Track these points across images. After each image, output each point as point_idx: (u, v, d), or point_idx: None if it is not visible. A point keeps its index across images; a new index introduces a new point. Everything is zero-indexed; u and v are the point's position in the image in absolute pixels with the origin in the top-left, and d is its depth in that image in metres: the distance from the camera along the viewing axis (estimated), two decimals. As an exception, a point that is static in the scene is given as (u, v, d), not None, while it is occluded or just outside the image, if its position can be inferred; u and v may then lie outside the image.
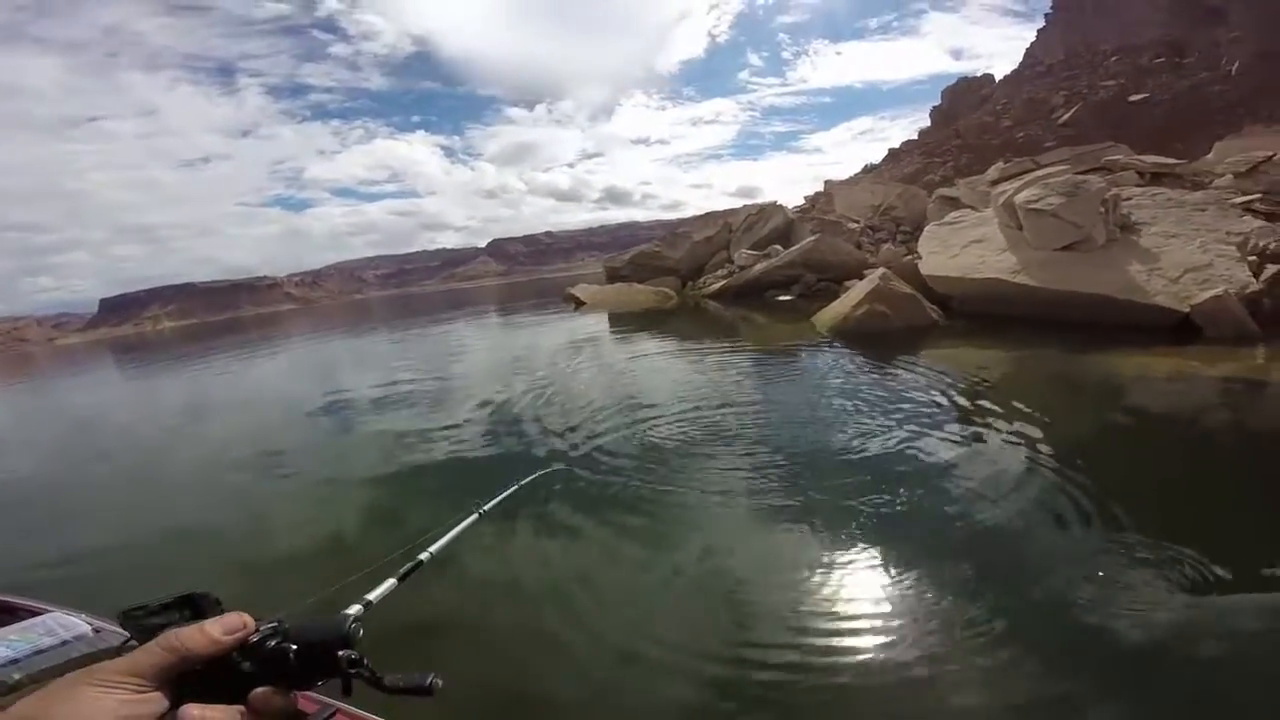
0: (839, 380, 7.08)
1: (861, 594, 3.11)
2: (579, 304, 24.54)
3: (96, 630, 2.15)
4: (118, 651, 1.44)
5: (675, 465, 4.99)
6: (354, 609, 0.64)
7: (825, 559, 3.44)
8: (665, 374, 8.54)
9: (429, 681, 0.56)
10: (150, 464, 8.09)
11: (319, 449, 7.32)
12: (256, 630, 0.52)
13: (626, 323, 17.02)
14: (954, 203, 18.48)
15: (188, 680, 0.48)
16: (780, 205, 25.43)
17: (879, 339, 8.89)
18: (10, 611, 2.46)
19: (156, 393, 17.72)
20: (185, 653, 0.45)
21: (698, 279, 23.70)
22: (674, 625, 3.06)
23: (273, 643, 0.52)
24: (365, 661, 0.55)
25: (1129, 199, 9.87)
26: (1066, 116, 49.94)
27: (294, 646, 0.53)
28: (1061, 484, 4.06)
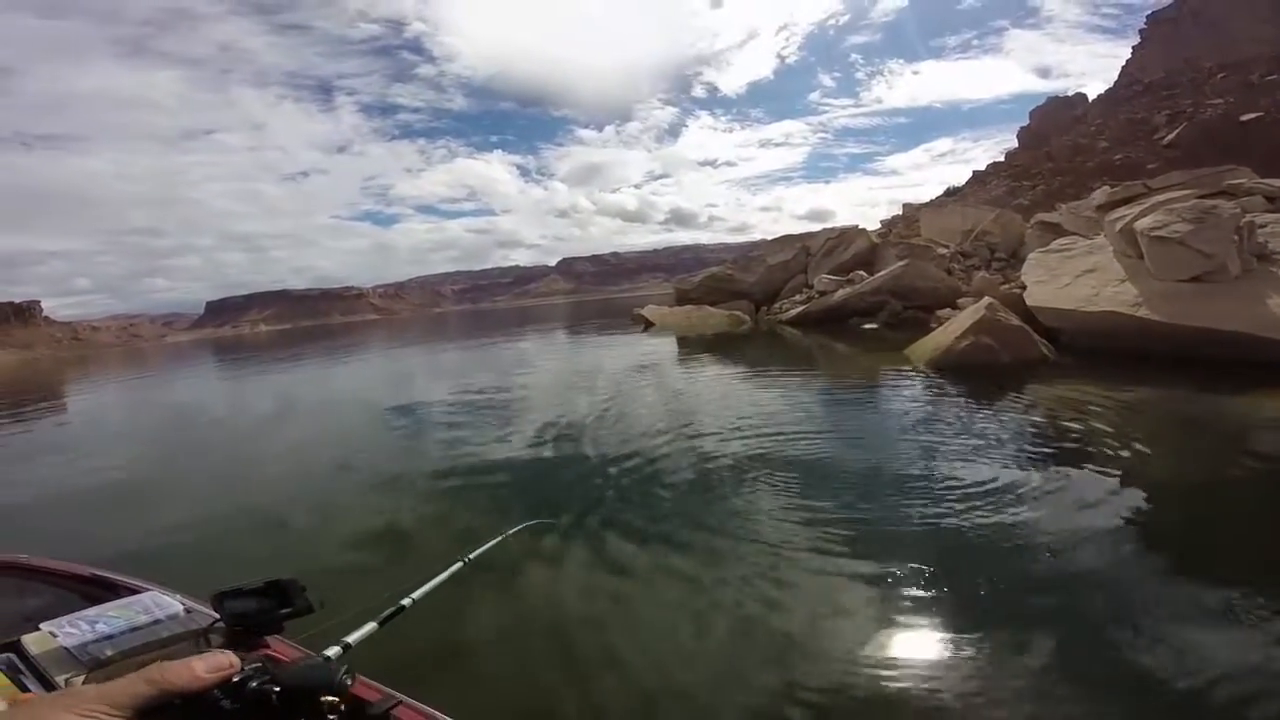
0: (937, 417, 6.49)
1: (930, 664, 2.74)
2: (648, 325, 24.49)
3: (188, 610, 2.14)
4: (204, 633, 1.39)
5: (745, 501, 4.65)
6: (333, 650, 0.70)
7: (895, 619, 3.06)
8: (741, 402, 8.12)
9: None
10: (240, 457, 8.61)
11: (381, 457, 7.47)
12: (241, 670, 0.52)
13: (698, 346, 16.71)
14: (1055, 229, 17.68)
15: (165, 714, 0.47)
16: (863, 229, 24.65)
17: (983, 374, 8.20)
18: (112, 588, 2.47)
19: (252, 391, 18.82)
20: (167, 687, 0.46)
21: (772, 304, 23.21)
22: (712, 669, 2.92)
23: (255, 683, 0.53)
24: (343, 708, 0.56)
25: (1264, 226, 8.89)
26: (1171, 137, 46.43)
27: (277, 689, 0.54)
28: (1188, 545, 3.59)
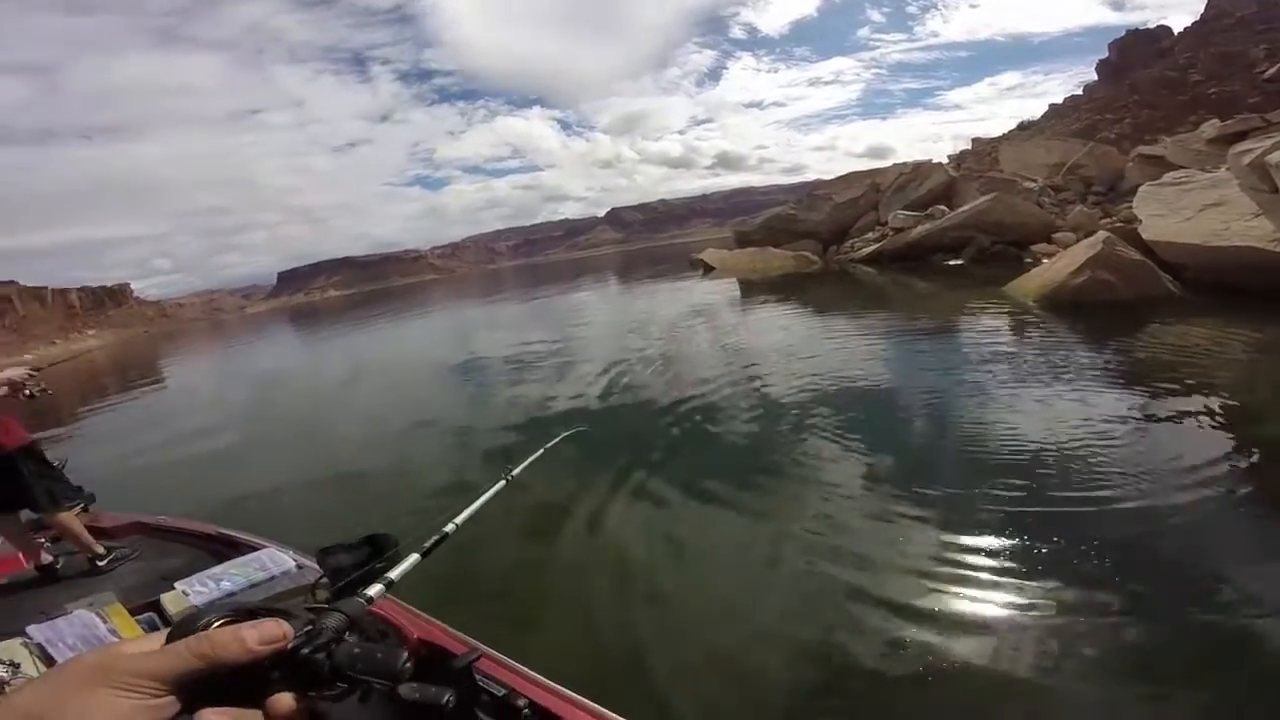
0: (1052, 358, 5.99)
1: (1002, 621, 2.56)
2: (708, 269, 23.93)
3: (299, 566, 2.28)
4: (312, 588, 1.36)
5: (835, 448, 4.42)
6: (375, 589, 0.65)
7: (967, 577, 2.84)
8: (827, 346, 7.77)
9: (445, 699, 0.55)
10: (329, 417, 9.13)
11: (457, 411, 7.80)
12: (294, 638, 0.47)
13: (765, 289, 16.17)
14: (1159, 162, 16.67)
15: (212, 687, 0.43)
16: (939, 163, 22.97)
17: (1102, 311, 7.52)
18: (234, 545, 2.68)
19: (333, 354, 19.68)
20: (215, 661, 0.41)
21: (841, 243, 22.13)
22: (773, 608, 2.90)
23: (308, 650, 0.48)
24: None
25: None
26: (1273, 71, 42.41)
27: (329, 664, 0.49)
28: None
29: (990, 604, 2.61)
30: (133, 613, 2.15)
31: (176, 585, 2.21)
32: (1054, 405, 4.74)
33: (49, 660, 1.86)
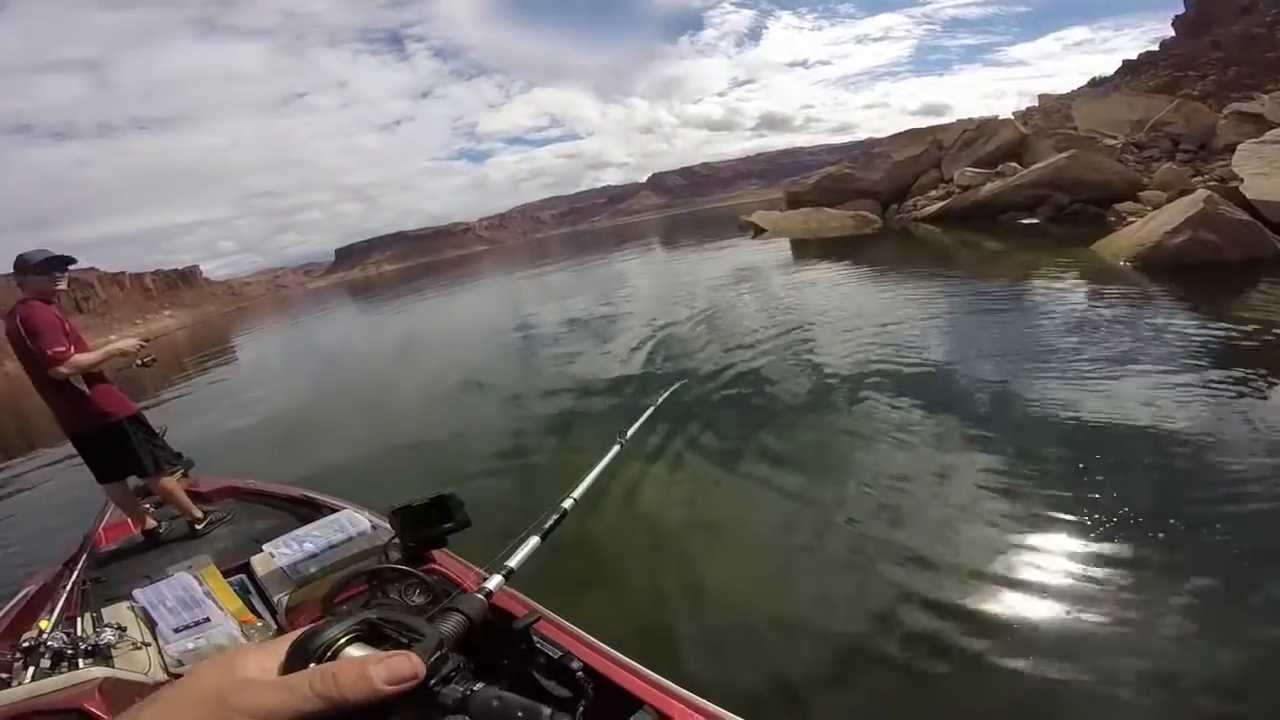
0: (1158, 326, 5.59)
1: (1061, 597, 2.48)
2: (758, 231, 23.37)
3: (374, 527, 2.34)
4: (384, 550, 1.78)
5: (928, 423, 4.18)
6: (494, 581, 0.62)
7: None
8: (903, 311, 7.45)
9: None
10: (392, 384, 9.49)
11: (517, 377, 7.94)
12: (426, 678, 0.41)
13: (825, 251, 15.72)
14: (1256, 119, 15.61)
15: None
16: (1007, 119, 21.67)
17: (1204, 273, 6.98)
18: (316, 507, 2.82)
19: (393, 326, 20.39)
20: (339, 704, 0.36)
21: (901, 202, 21.24)
22: (824, 577, 2.90)
23: (443, 690, 0.42)
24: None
25: None
26: None
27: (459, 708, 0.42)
28: None
29: (1052, 609, 2.40)
30: (225, 574, 2.30)
31: (264, 547, 2.33)
32: (1154, 381, 4.41)
33: (151, 623, 1.99)
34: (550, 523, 0.83)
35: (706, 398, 5.56)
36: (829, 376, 5.59)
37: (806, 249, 16.59)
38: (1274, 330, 5.07)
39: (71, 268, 3.03)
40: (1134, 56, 63.27)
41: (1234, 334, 5.14)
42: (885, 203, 21.89)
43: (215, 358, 20.90)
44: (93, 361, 2.91)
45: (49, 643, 1.72)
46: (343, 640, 0.41)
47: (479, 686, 0.43)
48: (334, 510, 2.60)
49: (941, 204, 17.90)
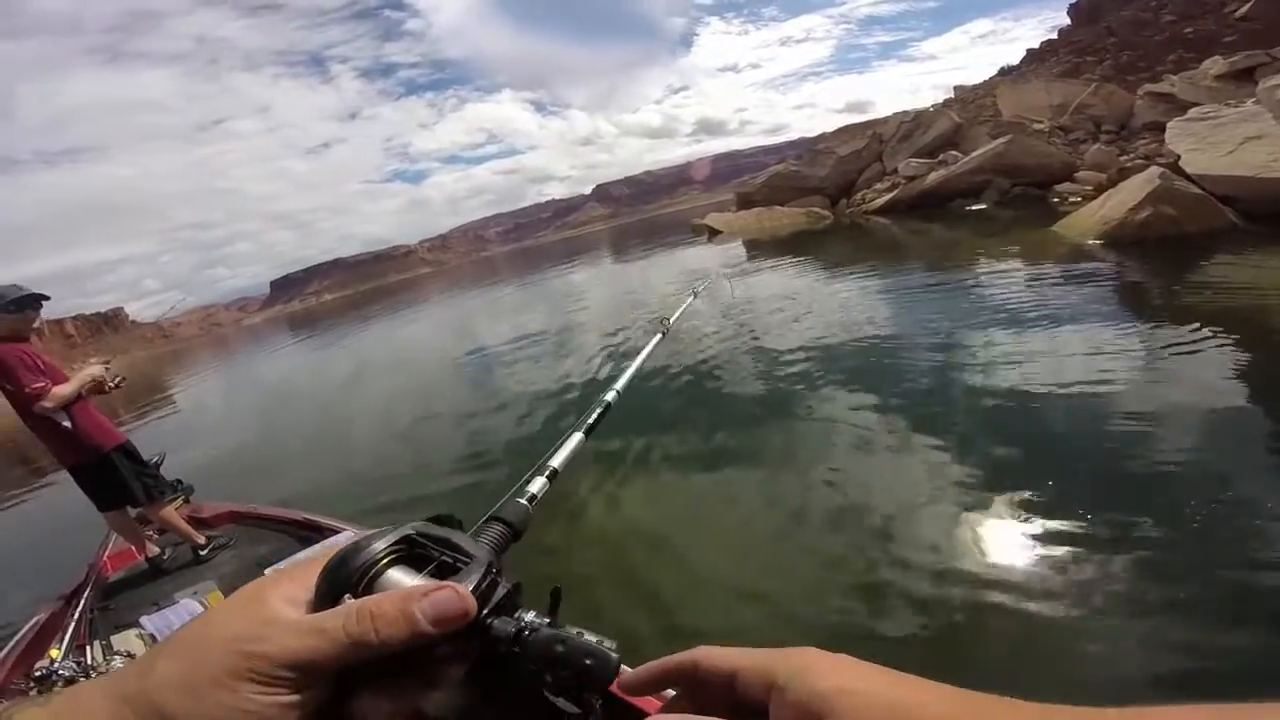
0: (1145, 299, 5.69)
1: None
2: (713, 234, 23.43)
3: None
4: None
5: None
6: (537, 483, 0.57)
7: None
8: (889, 308, 7.27)
9: None
10: (354, 414, 9.07)
11: (476, 398, 7.83)
12: (479, 618, 0.34)
13: (785, 249, 15.60)
14: (1168, 99, 16.82)
15: (373, 665, 0.33)
16: (943, 110, 22.45)
17: (1168, 246, 7.16)
18: (318, 529, 2.87)
19: (344, 356, 19.17)
20: (376, 648, 0.31)
21: (849, 196, 21.64)
22: (797, 554, 2.97)
23: (495, 623, 0.35)
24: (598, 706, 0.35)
25: None
26: (1245, 10, 42.59)
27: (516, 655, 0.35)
28: None
29: (1017, 560, 2.57)
30: None
31: (267, 572, 2.29)
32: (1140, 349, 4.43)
33: None
34: (594, 418, 0.74)
35: (668, 393, 5.74)
36: (812, 369, 5.42)
37: (761, 248, 16.58)
38: (1249, 293, 5.27)
39: None
40: (1036, 45, 66.43)
41: (1213, 299, 5.25)
42: (833, 198, 22.27)
43: (155, 406, 19.42)
44: (71, 393, 2.91)
45: (60, 671, 1.72)
46: (383, 562, 0.35)
47: (531, 618, 0.36)
48: (335, 531, 2.63)
49: (889, 196, 18.25)
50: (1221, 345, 4.28)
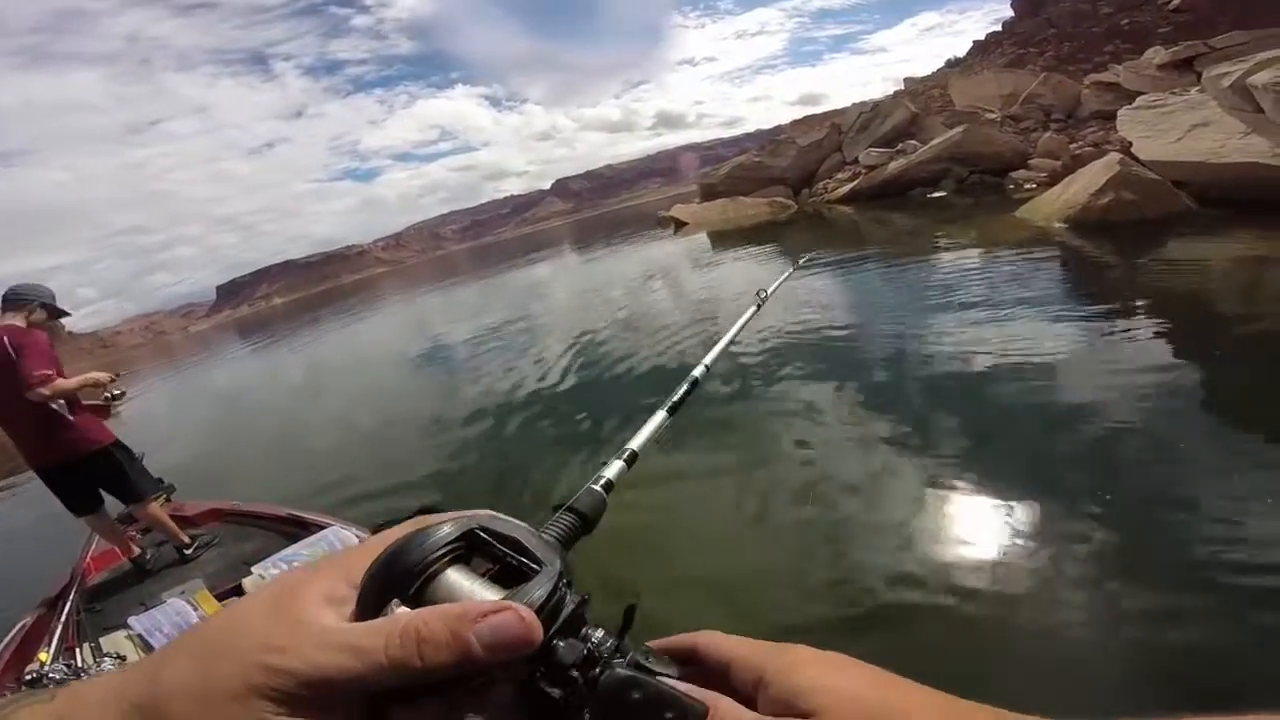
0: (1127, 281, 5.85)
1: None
2: (679, 225, 23.36)
3: (360, 541, 2.27)
4: None
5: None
6: (614, 467, 0.50)
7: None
8: (878, 298, 7.30)
9: None
10: (322, 419, 8.57)
11: (435, 397, 7.85)
12: (545, 643, 0.28)
13: (745, 239, 15.63)
14: (1114, 88, 17.59)
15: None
16: (901, 100, 22.84)
17: (1130, 230, 7.41)
18: (303, 525, 2.86)
19: (301, 363, 18.51)
20: (420, 673, 0.27)
21: (811, 186, 21.87)
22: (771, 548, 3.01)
23: (560, 646, 0.29)
24: None
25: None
26: (1178, 2, 44.93)
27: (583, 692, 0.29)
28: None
29: (971, 550, 2.65)
30: (219, 598, 2.28)
31: (254, 569, 2.38)
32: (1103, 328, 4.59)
33: (149, 649, 1.90)
34: (680, 395, 0.69)
35: (635, 390, 5.85)
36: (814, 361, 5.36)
37: (727, 239, 16.55)
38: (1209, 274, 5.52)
39: None
40: (982, 37, 68.61)
41: (1176, 281, 5.47)
42: (796, 188, 22.46)
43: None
44: (74, 387, 2.94)
45: (51, 675, 1.68)
46: (442, 561, 0.30)
47: (599, 636, 0.31)
48: (322, 527, 2.66)
49: (851, 185, 18.48)
50: (1180, 326, 4.47)
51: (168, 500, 3.40)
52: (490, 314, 13.56)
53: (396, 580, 0.29)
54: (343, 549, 0.33)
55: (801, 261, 2.02)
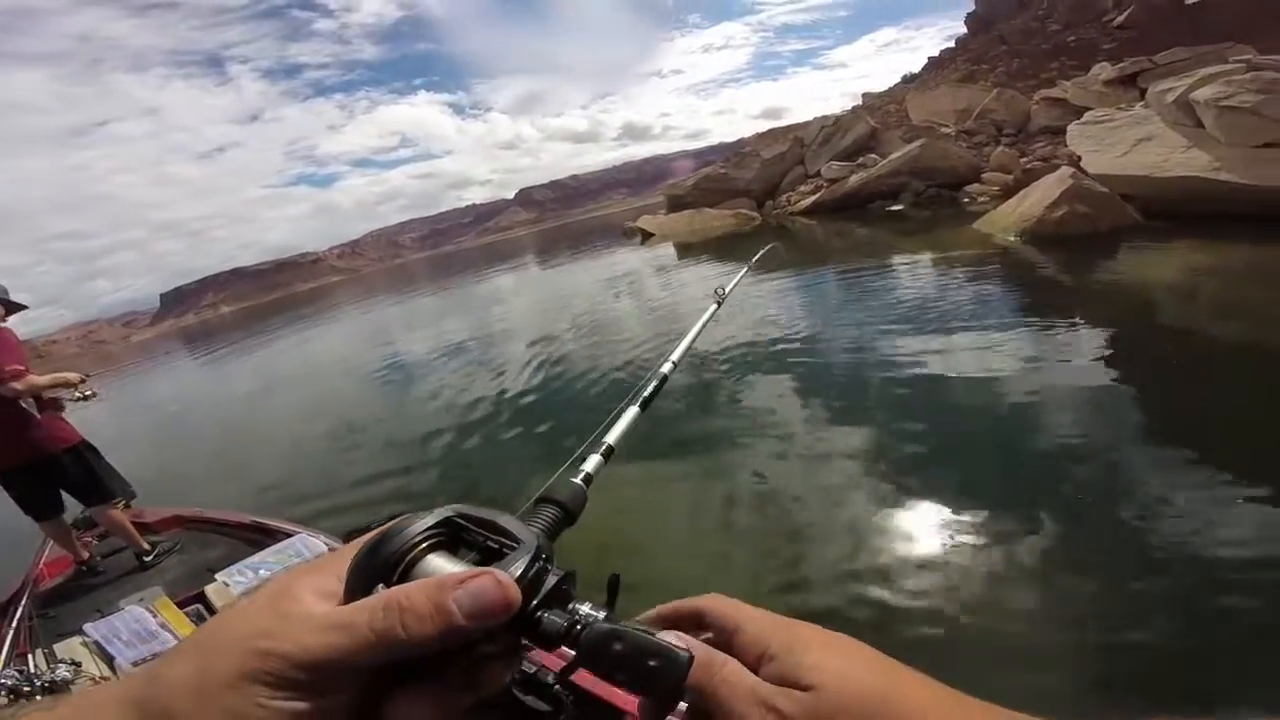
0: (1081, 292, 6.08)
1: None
2: (646, 236, 23.40)
3: (330, 550, 2.12)
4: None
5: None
6: (593, 461, 0.51)
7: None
8: (853, 310, 7.27)
9: None
10: (301, 420, 8.20)
11: (408, 408, 7.61)
12: (528, 606, 0.30)
13: (713, 250, 15.75)
14: (1062, 104, 18.26)
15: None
16: (861, 115, 23.41)
17: (1083, 242, 7.70)
18: (270, 533, 2.82)
19: (252, 372, 17.71)
20: (406, 645, 0.27)
21: (774, 198, 22.22)
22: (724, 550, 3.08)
23: (545, 616, 0.31)
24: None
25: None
26: (1122, 19, 47.19)
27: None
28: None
29: (928, 535, 2.79)
30: (180, 605, 2.22)
31: (218, 576, 2.32)
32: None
33: (108, 657, 1.93)
34: (650, 390, 0.71)
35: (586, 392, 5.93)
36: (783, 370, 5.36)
37: (694, 250, 16.61)
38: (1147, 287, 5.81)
39: None
40: (936, 53, 70.16)
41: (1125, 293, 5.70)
42: (759, 200, 22.78)
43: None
44: (46, 384, 2.92)
45: (2, 681, 1.67)
46: (422, 547, 0.31)
47: (586, 610, 0.32)
48: (289, 535, 2.62)
49: (813, 198, 18.83)
50: (1125, 337, 4.69)
51: (127, 506, 3.33)
52: (452, 322, 13.37)
53: (380, 566, 0.30)
54: (330, 552, 0.33)
55: (755, 259, 2.07)
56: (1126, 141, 9.32)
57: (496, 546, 0.32)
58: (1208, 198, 8.01)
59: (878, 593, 2.50)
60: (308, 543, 2.44)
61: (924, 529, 2.84)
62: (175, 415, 13.02)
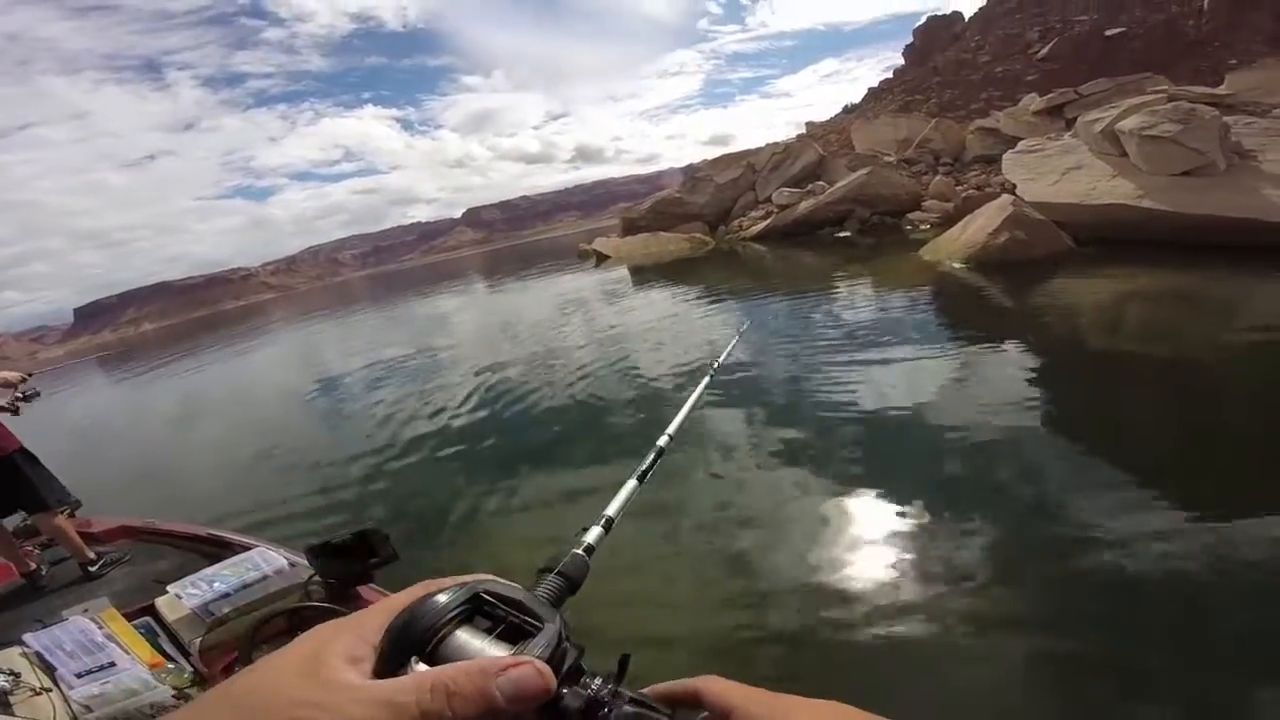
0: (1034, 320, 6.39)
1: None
2: (601, 259, 23.48)
3: (291, 564, 2.31)
4: (305, 586, 2.04)
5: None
6: (593, 533, 0.55)
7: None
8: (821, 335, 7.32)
9: None
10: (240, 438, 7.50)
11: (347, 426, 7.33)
12: (559, 693, 0.33)
13: (671, 275, 15.89)
14: (994, 133, 19.32)
15: None
16: (810, 143, 24.34)
17: (1027, 269, 8.16)
18: (226, 546, 2.75)
19: (175, 392, 16.57)
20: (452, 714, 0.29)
21: (727, 222, 22.73)
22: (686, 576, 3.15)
23: (565, 694, 0.33)
24: None
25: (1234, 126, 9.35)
26: (1045, 51, 51.00)
27: None
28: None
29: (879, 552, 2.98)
30: (128, 617, 2.18)
31: (169, 588, 2.26)
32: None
33: (49, 667, 1.89)
34: (647, 464, 0.74)
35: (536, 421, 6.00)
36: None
37: (648, 273, 16.71)
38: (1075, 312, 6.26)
39: None
40: (876, 84, 73.00)
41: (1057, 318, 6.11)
42: (712, 224, 23.27)
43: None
44: None
45: None
46: (452, 624, 0.34)
47: (598, 684, 0.34)
48: (245, 548, 2.56)
49: (765, 223, 19.35)
50: (1058, 358, 5.14)
51: (72, 515, 3.22)
52: (395, 346, 12.86)
53: (415, 639, 0.33)
54: (354, 613, 0.34)
55: (743, 329, 2.34)
56: (1057, 170, 9.88)
57: (519, 622, 0.35)
58: (1133, 225, 8.55)
59: (842, 635, 2.60)
60: (266, 556, 2.36)
61: (867, 549, 3.04)
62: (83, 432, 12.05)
